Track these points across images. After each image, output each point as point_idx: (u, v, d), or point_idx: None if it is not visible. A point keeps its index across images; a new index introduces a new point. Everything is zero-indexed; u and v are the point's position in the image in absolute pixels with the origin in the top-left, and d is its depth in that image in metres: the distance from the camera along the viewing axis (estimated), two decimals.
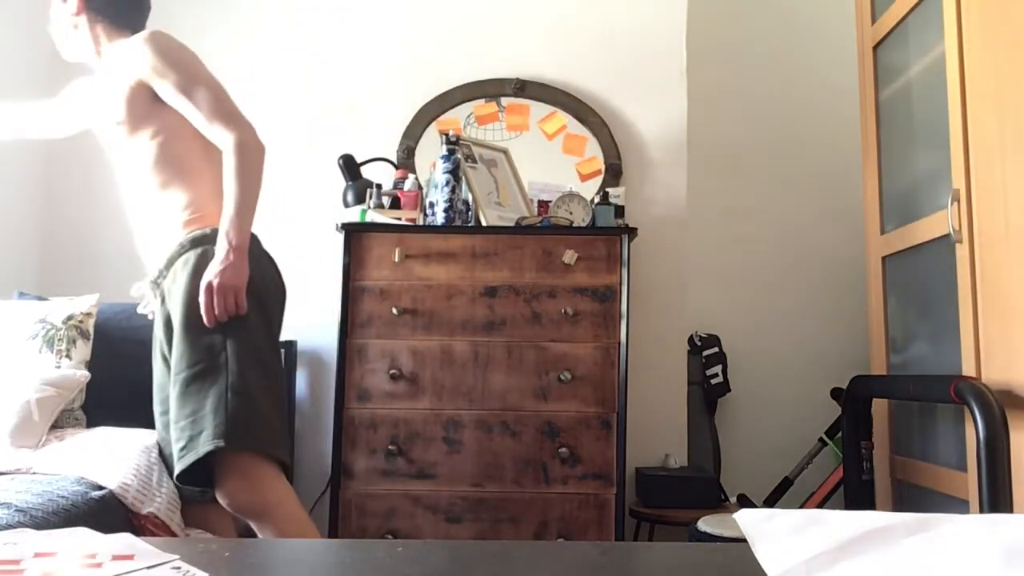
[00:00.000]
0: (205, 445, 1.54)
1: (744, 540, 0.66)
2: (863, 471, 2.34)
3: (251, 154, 1.68)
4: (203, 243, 1.69)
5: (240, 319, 1.63)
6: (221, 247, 1.62)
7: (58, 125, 2.06)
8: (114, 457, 1.87)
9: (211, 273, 1.59)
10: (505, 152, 2.66)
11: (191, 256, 1.68)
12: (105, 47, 1.84)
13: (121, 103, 1.74)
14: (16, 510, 1.47)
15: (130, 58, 1.74)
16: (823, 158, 3.33)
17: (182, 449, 1.57)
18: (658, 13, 2.89)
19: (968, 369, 1.88)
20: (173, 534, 1.78)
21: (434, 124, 2.85)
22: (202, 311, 1.60)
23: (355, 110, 2.92)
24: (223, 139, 1.68)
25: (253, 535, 2.44)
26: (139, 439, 2.00)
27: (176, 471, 1.59)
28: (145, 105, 1.74)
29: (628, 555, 0.76)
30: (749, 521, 0.66)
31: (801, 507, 2.77)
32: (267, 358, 1.69)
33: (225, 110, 1.70)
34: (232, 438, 1.54)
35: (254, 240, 1.77)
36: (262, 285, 1.71)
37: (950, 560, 0.58)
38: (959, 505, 1.95)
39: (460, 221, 2.39)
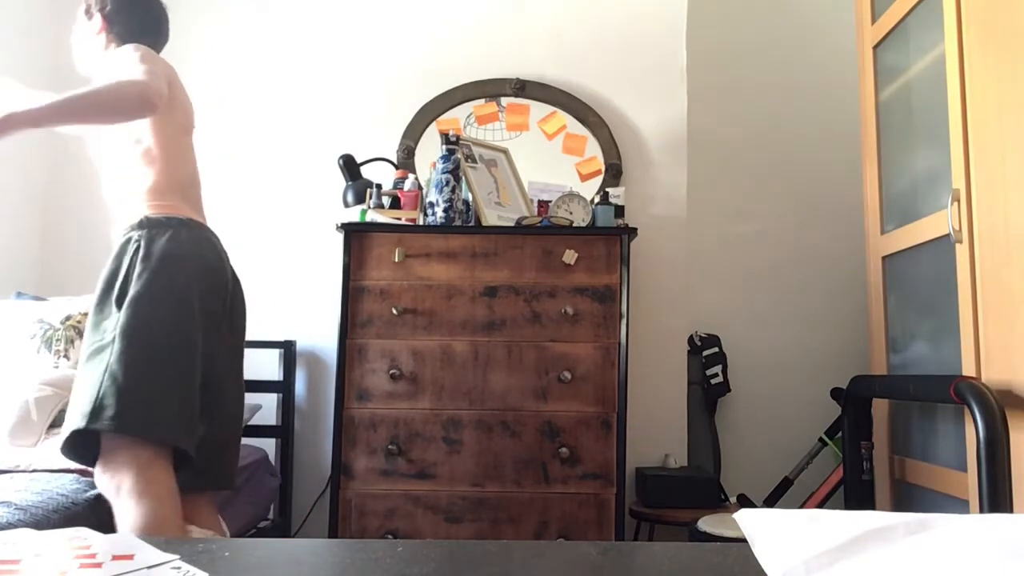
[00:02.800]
0: (72, 425, 1.54)
1: (744, 540, 0.66)
2: (863, 471, 2.34)
3: (133, 90, 1.63)
4: (148, 226, 1.70)
5: (138, 298, 1.61)
6: (26, 102, 1.55)
7: None
8: None
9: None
10: (505, 152, 2.66)
11: (132, 236, 1.70)
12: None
13: None
14: (16, 508, 1.47)
15: (117, 64, 1.78)
16: (823, 158, 3.33)
17: (65, 427, 1.58)
18: (658, 13, 2.89)
19: (968, 369, 1.88)
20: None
21: (434, 124, 2.85)
22: None
23: (355, 110, 2.92)
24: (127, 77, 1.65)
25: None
26: None
27: (60, 448, 1.59)
28: None
29: (628, 555, 0.76)
30: (749, 521, 0.66)
31: (801, 507, 2.77)
32: (166, 337, 1.63)
33: (152, 78, 1.68)
34: (94, 419, 1.52)
35: (193, 225, 1.76)
36: (173, 263, 1.67)
37: (950, 560, 0.58)
38: (959, 505, 1.95)
39: (460, 221, 2.39)
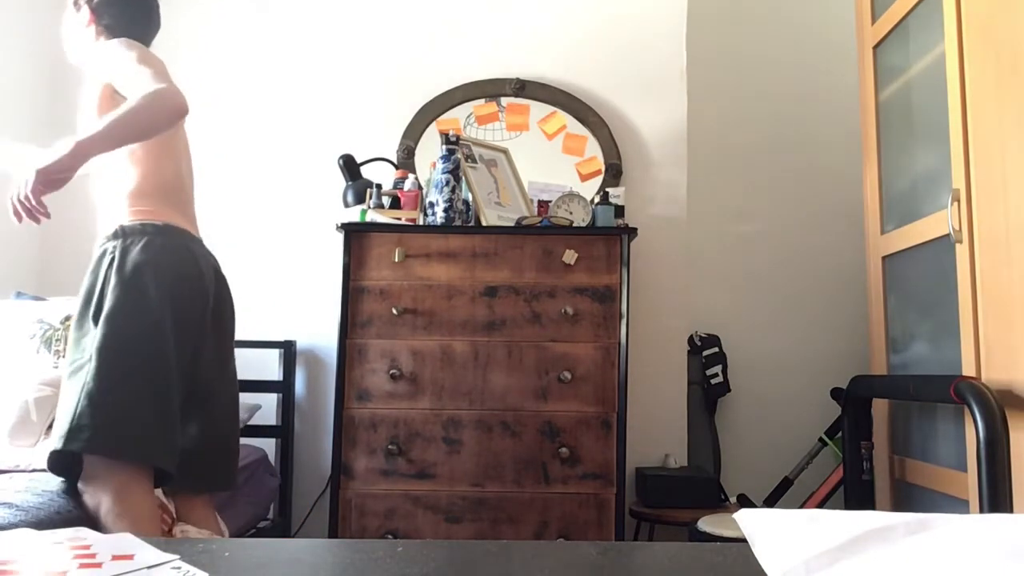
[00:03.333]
0: (51, 446, 1.54)
1: (744, 540, 0.66)
2: (863, 471, 2.34)
3: (164, 96, 1.60)
4: (122, 236, 1.67)
5: (112, 314, 1.59)
6: (65, 146, 1.55)
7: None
8: None
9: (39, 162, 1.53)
10: (505, 152, 2.66)
11: (107, 247, 1.68)
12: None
13: (94, 100, 1.76)
14: (17, 509, 1.47)
15: (104, 58, 1.75)
16: (823, 158, 3.33)
17: (48, 447, 1.58)
18: (658, 13, 2.89)
19: (968, 369, 1.88)
20: (172, 516, 1.78)
21: (434, 124, 2.85)
22: (12, 199, 1.54)
23: (355, 110, 2.92)
24: (147, 88, 1.61)
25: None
26: None
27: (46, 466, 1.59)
28: (110, 101, 1.74)
29: (628, 555, 0.76)
30: (749, 521, 0.66)
31: (801, 507, 2.77)
32: (141, 354, 1.61)
33: (163, 79, 1.65)
34: (71, 440, 1.52)
35: (169, 231, 1.72)
36: (145, 274, 1.64)
37: (950, 560, 0.58)
38: (959, 505, 1.95)
39: (460, 221, 2.39)
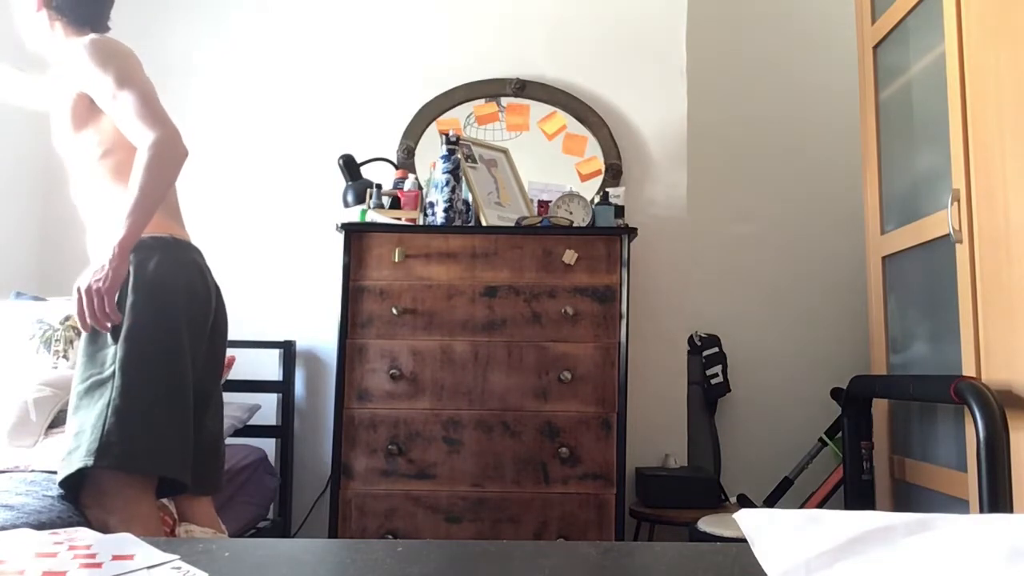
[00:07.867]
0: (77, 462, 1.52)
1: (744, 540, 0.66)
2: (863, 471, 2.34)
3: (166, 154, 1.60)
4: (135, 249, 1.64)
5: (134, 330, 1.58)
6: (108, 247, 1.56)
7: (44, 98, 2.01)
8: None
9: (87, 275, 1.55)
10: (505, 152, 2.66)
11: None
12: (63, 44, 1.80)
13: (67, 110, 1.73)
14: (19, 512, 1.47)
15: (73, 64, 1.72)
16: (823, 158, 3.33)
17: (62, 460, 1.56)
18: (658, 13, 2.89)
19: (968, 369, 1.88)
20: (173, 517, 1.78)
21: (434, 124, 2.85)
22: (74, 316, 1.56)
23: (355, 110, 2.92)
24: (143, 137, 1.61)
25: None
26: None
27: (57, 480, 1.57)
28: (86, 114, 1.71)
29: (628, 555, 0.76)
30: (749, 521, 0.66)
31: (801, 507, 2.77)
32: (163, 369, 1.62)
33: (151, 112, 1.63)
34: (102, 456, 1.51)
35: (177, 245, 1.72)
36: (164, 290, 1.64)
37: (950, 560, 0.58)
38: (959, 505, 1.95)
39: (460, 221, 2.39)
